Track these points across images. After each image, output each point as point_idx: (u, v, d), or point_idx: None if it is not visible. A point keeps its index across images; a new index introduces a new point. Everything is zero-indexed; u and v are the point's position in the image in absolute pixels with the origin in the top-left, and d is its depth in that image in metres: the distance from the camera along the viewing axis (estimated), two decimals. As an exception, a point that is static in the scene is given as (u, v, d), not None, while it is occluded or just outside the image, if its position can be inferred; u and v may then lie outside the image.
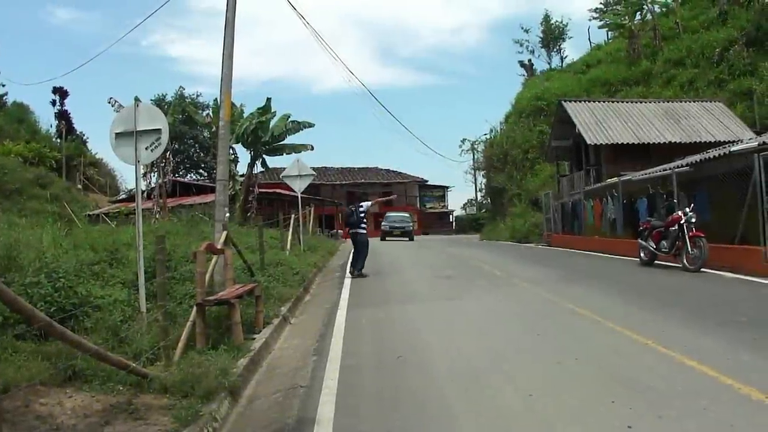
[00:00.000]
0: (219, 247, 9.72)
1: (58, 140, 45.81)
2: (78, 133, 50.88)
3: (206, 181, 45.25)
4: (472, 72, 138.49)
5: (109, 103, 25.08)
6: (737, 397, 5.23)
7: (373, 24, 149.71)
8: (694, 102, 30.05)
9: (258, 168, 33.42)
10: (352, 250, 16.32)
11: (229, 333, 8.04)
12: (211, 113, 34.89)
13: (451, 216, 74.28)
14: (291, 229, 20.83)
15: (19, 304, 4.45)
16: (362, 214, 15.66)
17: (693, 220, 13.95)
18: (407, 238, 40.28)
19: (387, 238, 39.58)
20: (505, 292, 12.57)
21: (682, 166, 17.20)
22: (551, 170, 36.46)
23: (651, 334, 7.63)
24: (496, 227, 40.54)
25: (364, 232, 15.73)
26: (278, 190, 35.42)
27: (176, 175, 40.78)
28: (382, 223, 42.77)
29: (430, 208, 70.55)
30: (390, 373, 6.79)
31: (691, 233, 13.81)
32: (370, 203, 16.31)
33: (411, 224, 44.11)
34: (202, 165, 54.61)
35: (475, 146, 60.23)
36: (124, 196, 42.45)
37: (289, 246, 19.45)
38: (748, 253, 13.27)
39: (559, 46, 61.82)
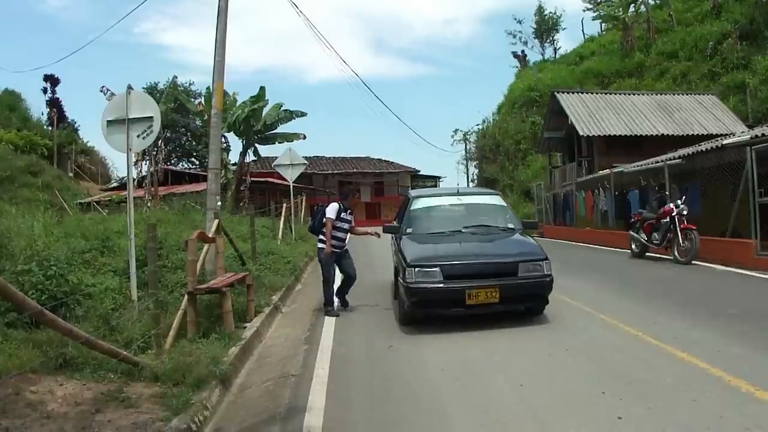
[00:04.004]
0: (210, 235, 9.69)
1: (50, 128, 45.39)
2: (69, 121, 50.41)
3: (198, 169, 45.00)
4: (465, 63, 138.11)
5: (102, 91, 24.86)
6: (727, 389, 5.26)
7: (366, 15, 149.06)
8: (687, 95, 30.15)
9: (250, 157, 33.26)
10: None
11: (221, 322, 8.04)
12: (203, 101, 34.66)
13: (443, 206, 74.07)
14: (283, 219, 20.81)
15: (10, 292, 4.42)
16: (323, 219, 10.17)
17: (685, 212, 14.01)
18: (531, 304, 8.72)
19: (431, 310, 8.50)
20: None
21: (674, 158, 17.23)
22: (543, 161, 36.48)
23: (642, 326, 7.68)
24: (488, 218, 40.37)
25: (322, 246, 10.13)
26: (270, 179, 35.20)
27: (168, 164, 40.54)
28: (406, 250, 8.98)
29: (423, 198, 70.07)
30: (381, 363, 6.81)
31: (682, 225, 13.86)
32: (334, 210, 10.10)
33: (534, 245, 9.54)
34: (194, 153, 54.20)
35: (468, 137, 60.04)
36: (115, 184, 42.15)
37: (280, 235, 19.43)
38: (739, 246, 13.32)
39: (553, 37, 61.69)
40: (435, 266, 8.28)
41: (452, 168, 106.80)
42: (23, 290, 6.11)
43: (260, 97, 30.69)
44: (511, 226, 10.07)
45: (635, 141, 26.18)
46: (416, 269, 8.28)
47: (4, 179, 30.53)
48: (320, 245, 10.23)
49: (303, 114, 32.49)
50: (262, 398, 6.02)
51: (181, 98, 37.81)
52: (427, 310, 8.39)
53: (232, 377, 6.66)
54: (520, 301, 8.52)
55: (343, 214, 10.17)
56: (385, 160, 61.52)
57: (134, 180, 11.04)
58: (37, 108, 50.20)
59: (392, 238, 10.68)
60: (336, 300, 10.26)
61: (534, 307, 8.72)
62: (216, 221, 10.24)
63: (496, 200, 11.16)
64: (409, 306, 8.41)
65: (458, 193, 11.22)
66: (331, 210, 10.09)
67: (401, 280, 8.67)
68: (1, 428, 4.66)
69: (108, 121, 8.46)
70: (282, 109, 31.99)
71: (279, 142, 32.09)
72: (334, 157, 60.52)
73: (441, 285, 8.18)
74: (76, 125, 51.19)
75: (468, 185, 57.13)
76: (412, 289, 8.26)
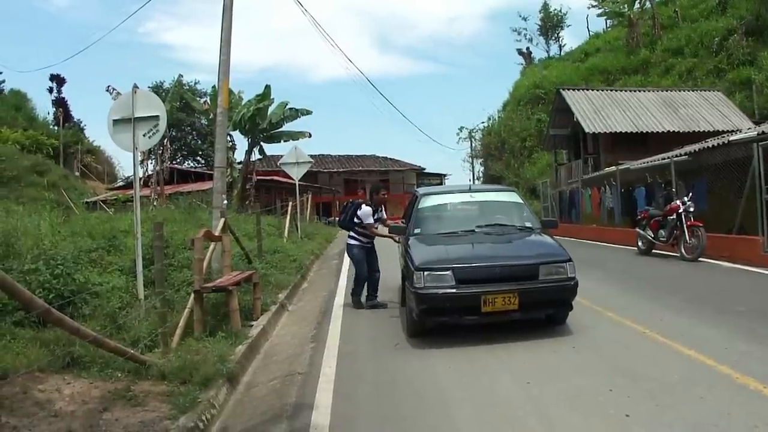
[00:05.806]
0: (217, 234, 9.70)
1: (56, 127, 45.58)
2: (75, 120, 50.66)
3: (204, 168, 45.09)
4: (469, 60, 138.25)
5: (108, 90, 25.04)
6: (735, 387, 5.24)
7: (371, 13, 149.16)
8: (692, 91, 29.99)
9: (256, 155, 33.32)
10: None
11: (227, 320, 8.05)
12: (209, 100, 34.72)
13: (448, 204, 73.86)
14: (289, 217, 20.83)
15: (17, 291, 4.44)
16: (356, 219, 10.22)
17: (691, 209, 13.94)
18: (553, 311, 7.88)
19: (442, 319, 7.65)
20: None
21: (680, 155, 17.18)
22: (549, 159, 36.37)
23: (649, 323, 7.65)
24: (494, 216, 40.35)
25: (355, 243, 10.30)
26: (276, 178, 35.32)
27: (174, 163, 40.62)
28: (414, 252, 8.14)
29: (428, 196, 69.83)
30: (387, 361, 6.81)
31: (689, 222, 13.81)
32: (370, 214, 10.15)
33: (555, 245, 8.30)
34: (200, 152, 54.32)
35: (473, 134, 60.01)
36: (121, 183, 42.28)
37: (286, 233, 19.45)
38: (746, 242, 13.27)
39: (558, 34, 61.77)
40: (446, 269, 7.46)
41: (457, 166, 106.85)
42: (30, 289, 6.12)
43: (265, 95, 30.75)
44: (528, 224, 9.08)
45: (641, 138, 26.08)
46: (426, 273, 7.46)
47: (11, 179, 30.64)
48: (350, 241, 10.36)
49: (308, 112, 32.55)
50: (269, 396, 6.03)
51: (186, 97, 37.90)
52: (439, 318, 7.53)
53: (239, 375, 6.68)
54: (542, 307, 7.72)
55: (375, 215, 10.32)
56: (390, 158, 61.61)
57: (140, 179, 11.08)
58: (43, 108, 50.59)
59: (399, 239, 9.98)
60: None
61: (556, 315, 7.89)
62: (222, 220, 10.26)
63: (511, 197, 10.11)
64: (418, 314, 7.52)
65: (470, 190, 10.24)
66: (367, 215, 10.07)
67: (409, 286, 7.81)
68: (9, 427, 4.68)
69: (114, 120, 8.49)
70: (287, 107, 32.05)
71: (284, 141, 32.19)
72: (339, 155, 60.61)
73: (453, 290, 7.35)
74: (82, 124, 51.48)
75: (474, 182, 56.92)
76: (421, 295, 7.40)
